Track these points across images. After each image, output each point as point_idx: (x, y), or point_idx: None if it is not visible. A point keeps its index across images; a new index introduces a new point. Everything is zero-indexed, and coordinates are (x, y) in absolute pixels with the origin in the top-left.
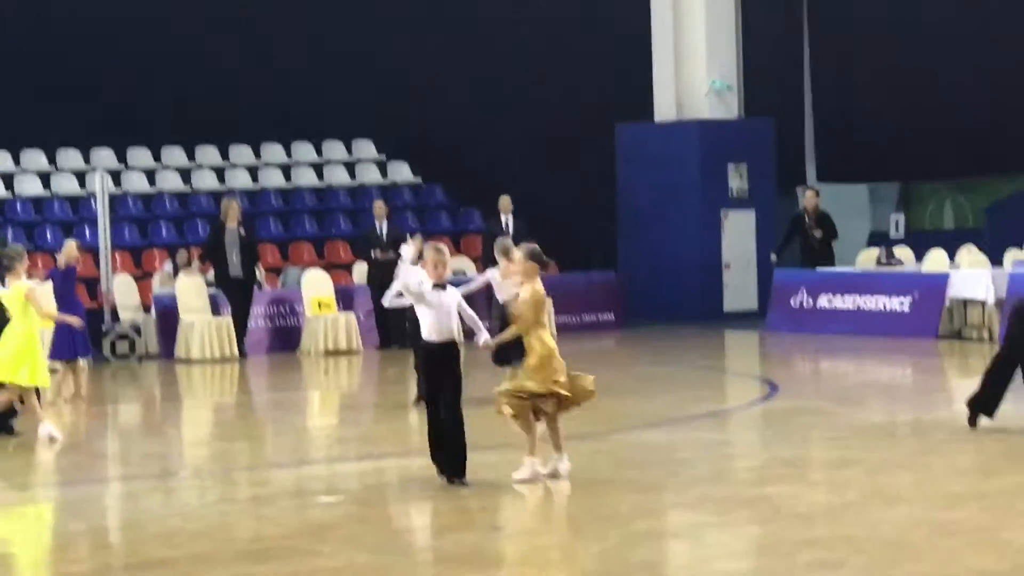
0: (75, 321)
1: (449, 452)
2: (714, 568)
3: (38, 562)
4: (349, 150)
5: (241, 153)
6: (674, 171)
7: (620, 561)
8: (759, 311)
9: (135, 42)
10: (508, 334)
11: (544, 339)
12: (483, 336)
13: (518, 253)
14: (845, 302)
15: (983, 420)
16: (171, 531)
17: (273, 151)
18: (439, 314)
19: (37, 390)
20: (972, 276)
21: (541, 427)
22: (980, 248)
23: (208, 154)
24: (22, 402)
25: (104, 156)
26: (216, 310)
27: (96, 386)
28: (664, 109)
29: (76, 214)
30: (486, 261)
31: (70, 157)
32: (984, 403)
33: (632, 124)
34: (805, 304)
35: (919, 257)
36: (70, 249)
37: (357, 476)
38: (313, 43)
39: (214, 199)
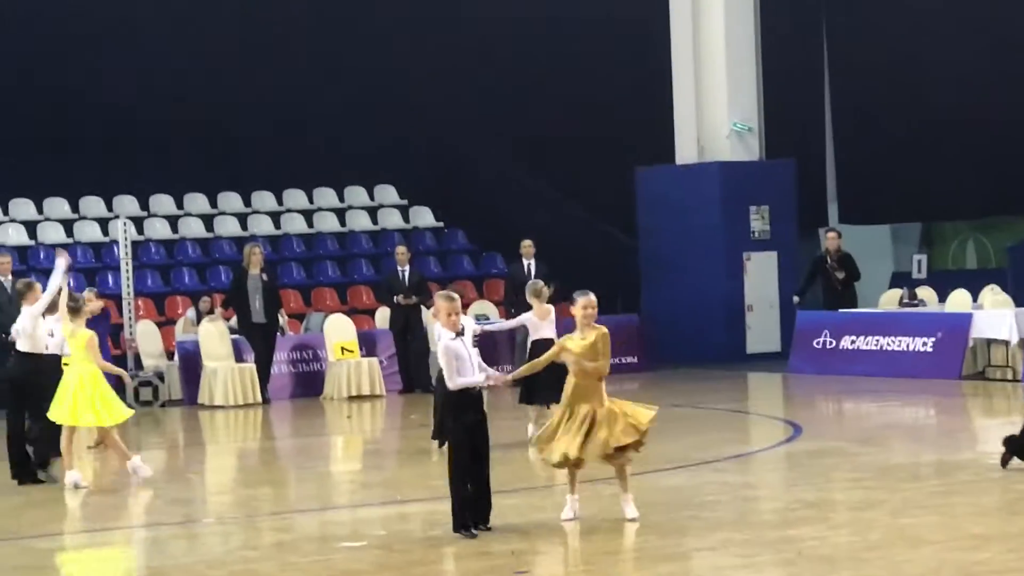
0: (123, 374)
1: (477, 497)
2: None
3: None
4: (371, 195)
5: (263, 199)
6: (696, 213)
7: None
8: (782, 353)
9: (157, 91)
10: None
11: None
12: (482, 377)
13: (582, 298)
14: (868, 343)
15: (1015, 461)
16: None
17: (295, 197)
18: (461, 362)
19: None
20: (995, 316)
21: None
22: (1003, 288)
23: (230, 201)
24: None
25: (127, 203)
26: (239, 356)
27: (120, 433)
28: (685, 151)
29: (99, 261)
30: (508, 305)
31: (93, 204)
32: (1022, 446)
33: (654, 167)
34: (828, 345)
35: (942, 297)
36: (89, 300)
37: (381, 521)
38: (334, 90)
39: (236, 245)
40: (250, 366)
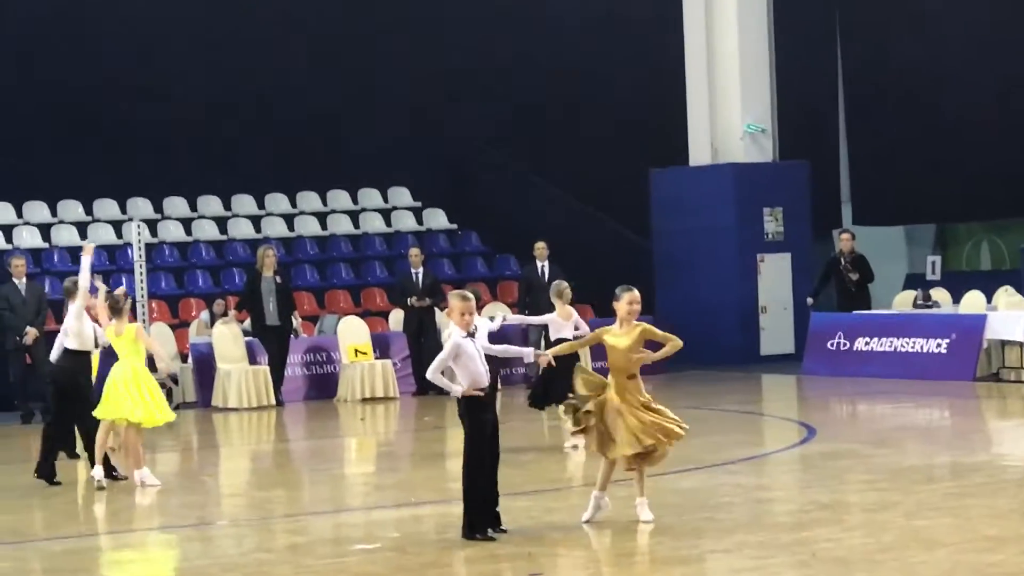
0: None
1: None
2: None
3: None
4: (385, 198)
5: (277, 202)
6: (709, 215)
7: None
8: (796, 354)
9: (170, 93)
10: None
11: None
12: (529, 351)
13: (627, 294)
14: (882, 344)
15: None
16: None
17: (309, 199)
18: (472, 363)
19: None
20: (1009, 317)
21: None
22: (1017, 289)
23: (244, 203)
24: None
25: (140, 206)
26: (253, 358)
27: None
28: (699, 153)
29: (113, 263)
30: (522, 307)
31: (106, 207)
32: None
33: (667, 169)
34: (842, 347)
35: (956, 299)
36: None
37: (395, 524)
38: (347, 92)
39: (250, 248)
40: (264, 368)
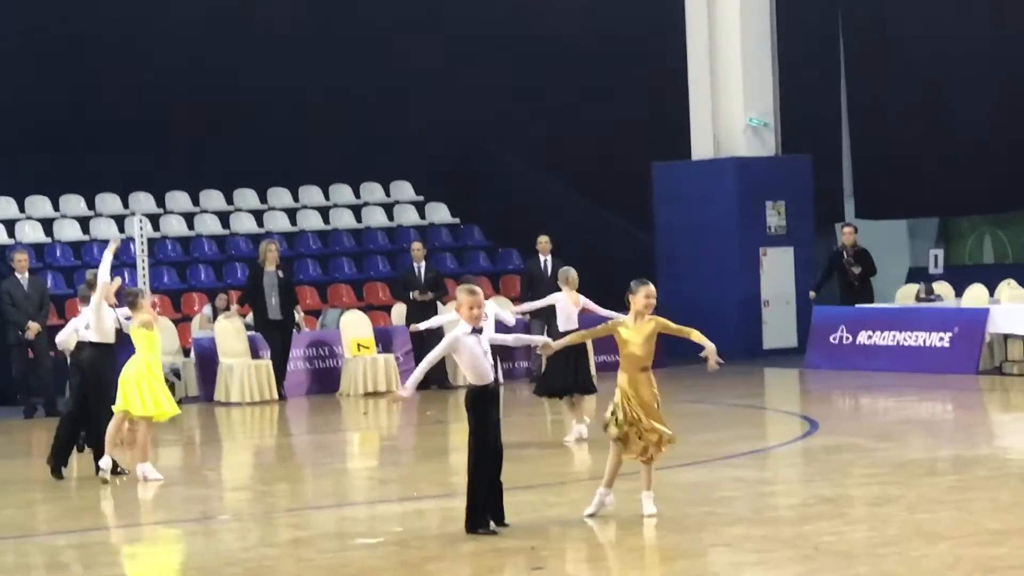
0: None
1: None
2: None
3: None
4: (387, 192)
5: (279, 196)
6: (712, 209)
7: None
8: (798, 348)
9: (173, 88)
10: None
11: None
12: (540, 339)
13: (644, 288)
14: (885, 338)
15: None
16: (211, 574)
17: (311, 194)
18: (476, 359)
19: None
20: (1012, 311)
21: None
22: (1020, 282)
23: (246, 197)
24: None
25: (143, 200)
26: (255, 353)
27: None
28: (701, 147)
29: (115, 258)
30: (524, 301)
31: (109, 201)
32: None
33: (669, 162)
34: (844, 340)
35: (959, 292)
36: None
37: (397, 518)
38: (350, 86)
39: (252, 242)
40: (266, 363)
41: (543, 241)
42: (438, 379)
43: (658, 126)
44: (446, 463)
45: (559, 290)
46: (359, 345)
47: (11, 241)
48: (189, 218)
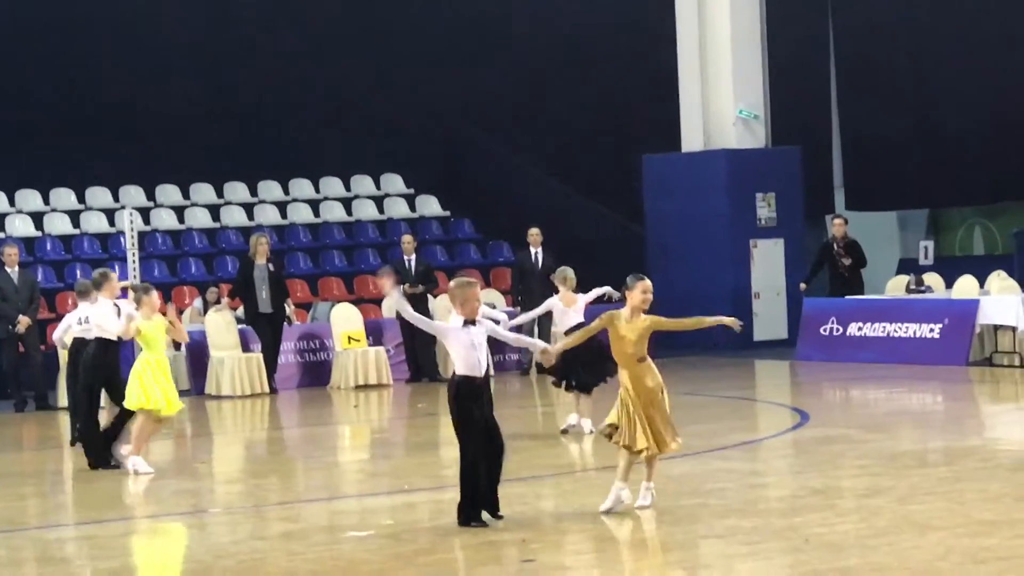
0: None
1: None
2: None
3: None
4: (377, 185)
5: (269, 189)
6: (702, 201)
7: None
8: (789, 340)
9: (162, 81)
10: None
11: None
12: (539, 343)
13: (641, 283)
14: (875, 330)
15: None
16: (202, 568)
17: (301, 186)
18: (467, 350)
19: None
20: (1002, 302)
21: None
22: (1010, 273)
23: (236, 191)
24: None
25: (133, 194)
26: (246, 346)
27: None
28: (692, 139)
29: (105, 252)
30: (515, 294)
31: (99, 195)
32: None
33: (660, 155)
34: (835, 332)
35: (949, 284)
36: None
37: (388, 511)
38: (340, 79)
39: (243, 235)
40: (257, 356)
41: (534, 234)
42: (430, 372)
43: (649, 118)
44: (437, 456)
45: (551, 285)
46: (350, 338)
47: (1, 235)
48: (179, 212)
